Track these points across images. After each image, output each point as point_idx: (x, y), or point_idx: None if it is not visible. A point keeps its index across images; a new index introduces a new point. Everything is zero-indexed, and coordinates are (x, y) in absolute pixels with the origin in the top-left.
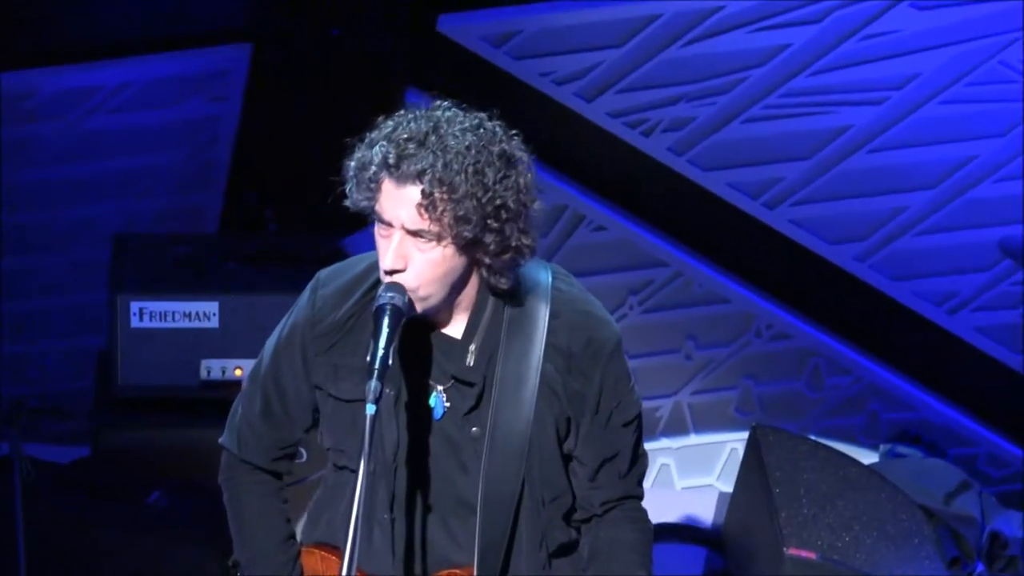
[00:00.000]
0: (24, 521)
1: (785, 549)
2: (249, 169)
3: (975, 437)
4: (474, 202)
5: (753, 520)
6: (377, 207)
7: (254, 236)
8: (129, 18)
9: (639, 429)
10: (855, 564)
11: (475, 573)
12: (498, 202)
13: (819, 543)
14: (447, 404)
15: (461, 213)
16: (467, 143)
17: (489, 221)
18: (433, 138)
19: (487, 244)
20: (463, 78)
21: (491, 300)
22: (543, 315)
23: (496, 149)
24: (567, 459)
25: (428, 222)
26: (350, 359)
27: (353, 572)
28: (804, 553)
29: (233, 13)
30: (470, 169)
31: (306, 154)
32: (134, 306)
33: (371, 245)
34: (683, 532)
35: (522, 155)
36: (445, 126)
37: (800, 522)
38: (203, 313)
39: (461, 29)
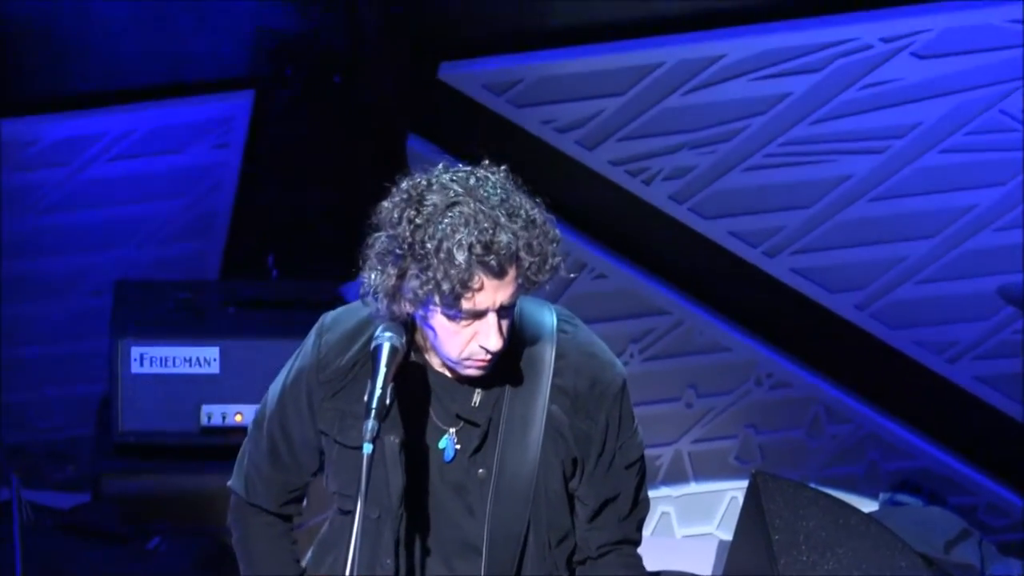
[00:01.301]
0: (24, 566)
1: None
2: (250, 216)
3: (975, 486)
4: (555, 255)
5: (752, 567)
6: (466, 307)
7: (255, 282)
8: (131, 66)
9: (642, 472)
10: None
11: None
12: (558, 243)
13: None
14: (458, 446)
15: (557, 260)
16: (524, 204)
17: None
18: (500, 216)
19: (546, 283)
20: (464, 126)
21: None
22: (549, 356)
23: (515, 187)
24: (572, 500)
25: (522, 289)
26: (356, 406)
27: None
28: None
29: (235, 61)
30: (542, 227)
31: (307, 201)
32: (135, 351)
33: None
34: None
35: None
36: (497, 194)
37: (799, 569)
38: (204, 358)
39: (462, 77)
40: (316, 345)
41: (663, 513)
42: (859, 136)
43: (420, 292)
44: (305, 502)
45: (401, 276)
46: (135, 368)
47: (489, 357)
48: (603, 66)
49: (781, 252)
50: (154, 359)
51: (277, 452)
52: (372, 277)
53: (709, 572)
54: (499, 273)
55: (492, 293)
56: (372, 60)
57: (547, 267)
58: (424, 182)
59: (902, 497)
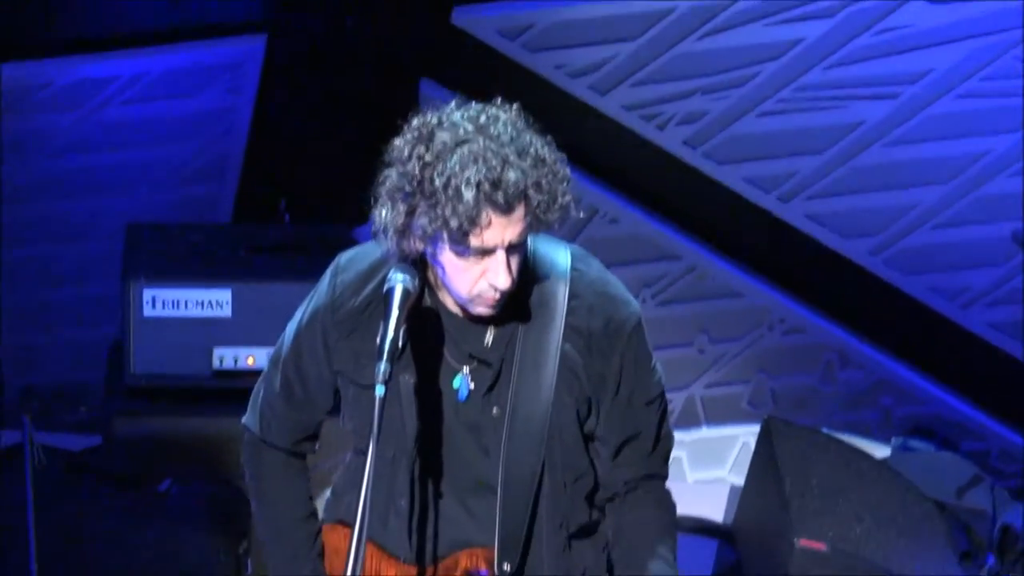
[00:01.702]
0: (35, 508)
1: (796, 541)
2: (263, 159)
3: (987, 432)
4: (564, 194)
5: (764, 512)
6: (474, 243)
7: (267, 226)
8: (144, 9)
9: (663, 408)
10: (865, 556)
11: (495, 554)
12: (568, 182)
13: (830, 535)
14: (472, 385)
15: (567, 199)
16: (534, 143)
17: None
18: (510, 154)
19: (556, 223)
20: (477, 70)
21: None
22: (562, 296)
23: (527, 126)
24: (588, 439)
25: (531, 228)
26: (370, 345)
27: (362, 554)
28: (815, 545)
29: (247, 4)
30: (552, 166)
31: (320, 144)
32: (147, 294)
33: None
34: (695, 525)
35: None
36: (507, 133)
37: (811, 514)
38: (216, 301)
39: (476, 21)
40: (331, 285)
41: (675, 457)
42: (873, 82)
43: (429, 229)
44: (317, 445)
45: (411, 213)
46: (147, 311)
47: (498, 296)
48: (617, 11)
49: (795, 197)
50: (166, 302)
51: (292, 391)
52: (382, 214)
53: (721, 517)
54: (507, 210)
55: (500, 230)
56: (385, 4)
57: (556, 206)
58: (435, 119)
59: (914, 443)
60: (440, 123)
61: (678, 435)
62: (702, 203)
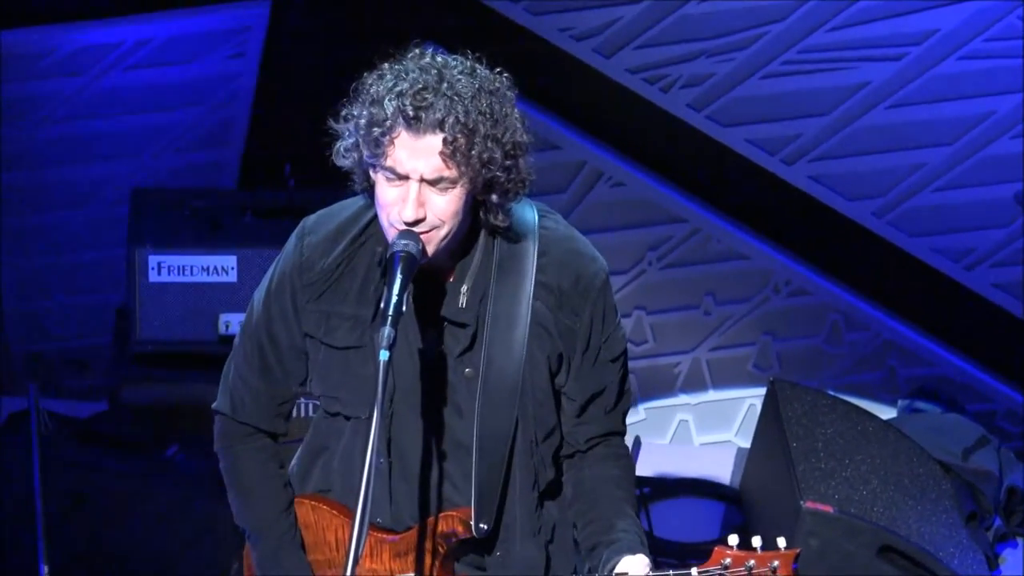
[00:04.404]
0: (42, 474)
1: (802, 502)
2: (267, 125)
3: (993, 393)
4: (493, 143)
5: (771, 474)
6: (388, 162)
7: (272, 191)
8: None
9: (625, 366)
10: (872, 518)
11: (472, 513)
12: (514, 139)
13: (836, 497)
14: (442, 346)
15: (486, 156)
16: (476, 86)
17: (507, 160)
18: (444, 86)
19: (501, 181)
20: (482, 34)
21: (480, 241)
22: (531, 254)
23: (496, 88)
24: (558, 396)
25: (449, 169)
26: (340, 307)
27: (367, 518)
28: (821, 507)
29: None
30: (486, 111)
31: (324, 110)
32: (152, 260)
33: None
34: (702, 487)
35: (511, 90)
36: (448, 72)
37: (817, 476)
38: (221, 267)
39: None
40: (298, 248)
41: (682, 421)
42: (877, 43)
43: (356, 137)
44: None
45: (352, 127)
46: (152, 277)
47: (406, 228)
48: None
49: (799, 160)
50: (172, 268)
51: (265, 360)
52: (342, 136)
53: (727, 479)
54: (417, 131)
55: (412, 155)
56: None
57: (476, 153)
58: (406, 57)
59: (920, 404)
60: (409, 58)
61: (684, 398)
62: (707, 166)
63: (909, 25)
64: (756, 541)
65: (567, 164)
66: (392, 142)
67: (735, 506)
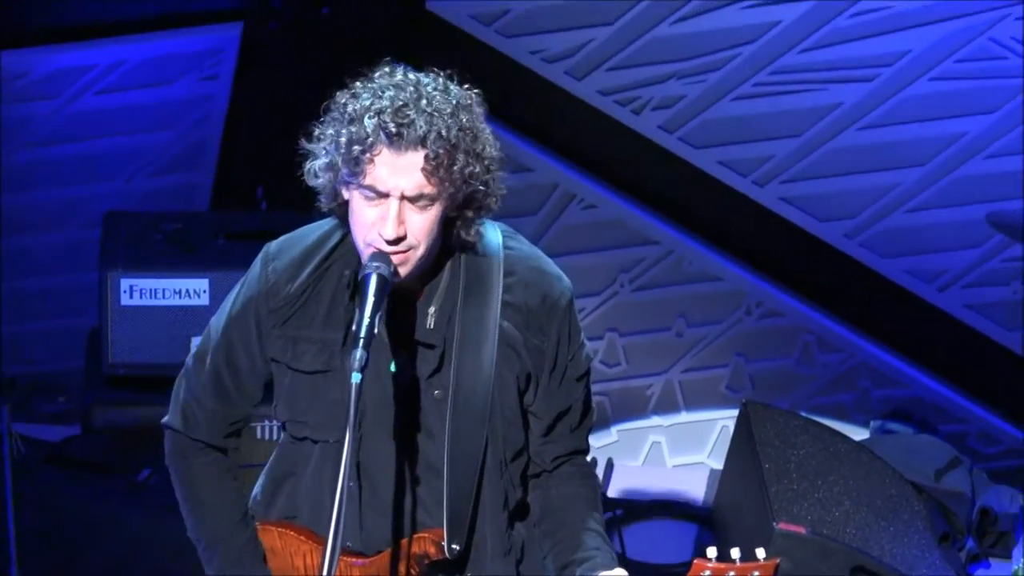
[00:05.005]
0: (14, 498)
1: (775, 524)
2: (240, 147)
3: (966, 414)
4: (473, 158)
5: (743, 496)
6: (367, 180)
7: (245, 213)
8: None
9: (589, 384)
10: (845, 539)
11: (444, 534)
12: (491, 154)
13: (809, 518)
14: (414, 369)
15: (467, 171)
16: (453, 102)
17: (486, 175)
18: (423, 102)
19: (479, 196)
20: (453, 57)
21: (448, 261)
22: (497, 274)
23: (469, 103)
24: (527, 416)
25: (431, 185)
26: (307, 331)
27: (339, 542)
28: (794, 528)
29: None
30: (466, 127)
31: (296, 132)
32: (124, 283)
33: None
34: (674, 509)
35: (480, 106)
36: (424, 89)
37: (790, 497)
38: (193, 290)
39: (451, 7)
40: (263, 274)
41: (654, 442)
42: (849, 64)
43: (334, 156)
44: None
45: (326, 146)
46: (124, 300)
47: (387, 247)
48: None
49: (771, 181)
50: (144, 291)
51: (222, 384)
52: (315, 155)
53: (700, 500)
54: (398, 149)
55: (393, 172)
56: None
57: (457, 171)
58: (378, 75)
59: (893, 425)
60: (381, 76)
61: (657, 420)
62: (678, 188)
63: (881, 47)
64: (735, 553)
65: (539, 186)
66: (372, 160)
67: (708, 527)
